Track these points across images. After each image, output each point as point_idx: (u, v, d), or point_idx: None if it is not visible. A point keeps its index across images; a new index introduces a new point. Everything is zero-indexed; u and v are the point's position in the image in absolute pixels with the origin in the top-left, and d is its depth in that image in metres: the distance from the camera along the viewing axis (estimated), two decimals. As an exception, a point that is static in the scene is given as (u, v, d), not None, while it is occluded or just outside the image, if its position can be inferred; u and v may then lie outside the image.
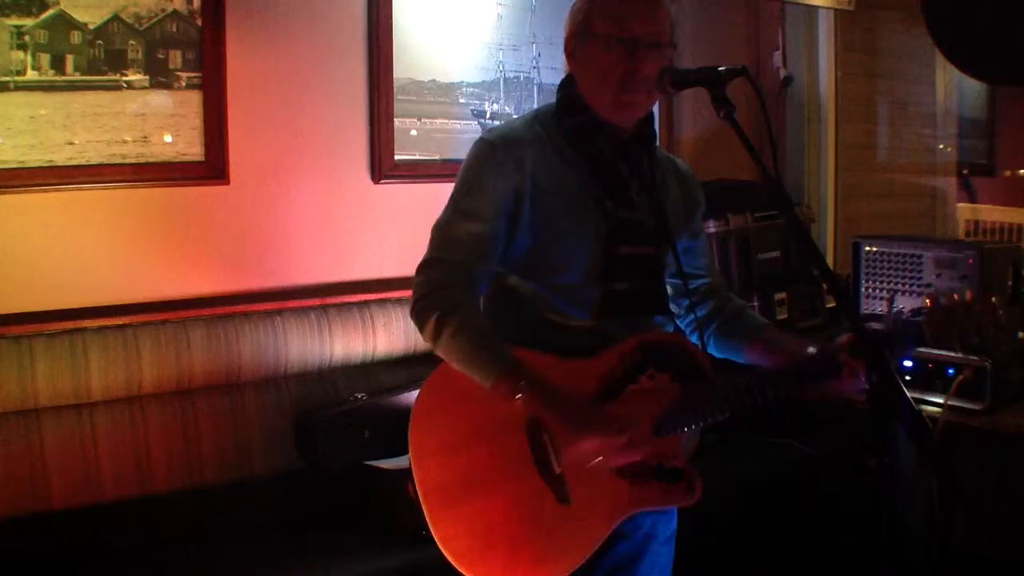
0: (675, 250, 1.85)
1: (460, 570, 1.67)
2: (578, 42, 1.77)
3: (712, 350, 1.92)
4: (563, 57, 1.82)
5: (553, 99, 1.85)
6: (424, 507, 1.69)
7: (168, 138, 2.63)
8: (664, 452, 1.71)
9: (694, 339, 1.92)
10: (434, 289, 1.71)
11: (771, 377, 1.68)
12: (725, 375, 1.73)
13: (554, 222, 1.74)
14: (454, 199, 1.78)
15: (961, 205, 5.61)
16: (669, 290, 1.93)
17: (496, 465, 1.69)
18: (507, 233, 1.74)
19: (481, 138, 1.80)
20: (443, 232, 1.76)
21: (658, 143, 1.90)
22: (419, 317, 1.72)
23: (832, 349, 1.64)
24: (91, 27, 2.48)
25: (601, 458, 1.66)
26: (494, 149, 1.75)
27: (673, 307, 1.95)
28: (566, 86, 1.82)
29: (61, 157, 2.46)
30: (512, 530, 1.68)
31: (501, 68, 3.32)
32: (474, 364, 1.67)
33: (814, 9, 4.15)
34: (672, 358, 1.73)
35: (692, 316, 1.93)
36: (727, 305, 1.97)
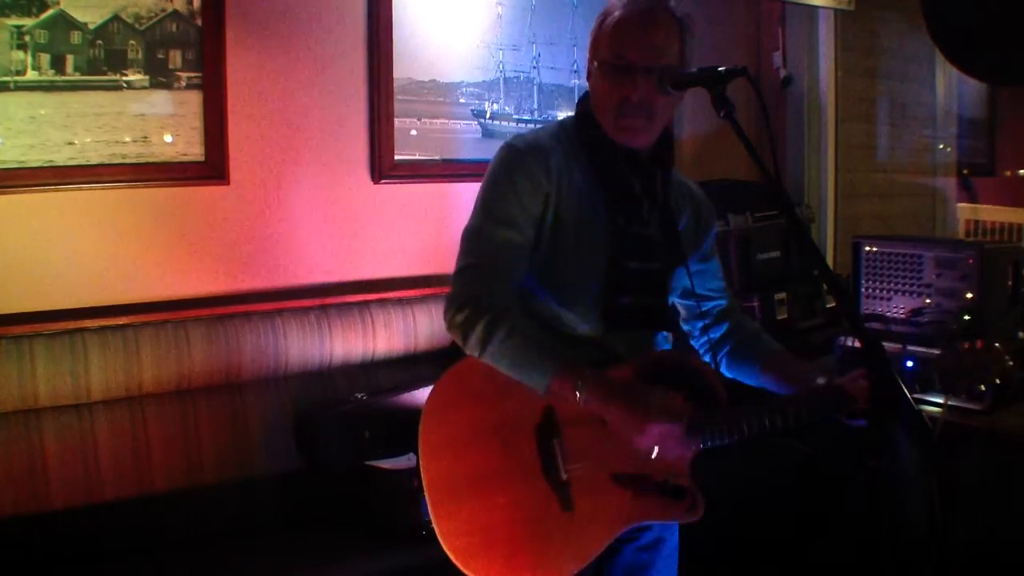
0: (688, 271, 1.86)
1: (457, 565, 1.68)
2: (590, 66, 1.80)
3: (724, 370, 1.95)
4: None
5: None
6: (428, 500, 1.70)
7: (168, 138, 2.63)
8: (670, 468, 1.72)
9: (706, 359, 1.95)
10: (478, 295, 1.70)
11: (781, 408, 1.70)
12: (734, 400, 1.76)
13: (568, 232, 1.76)
14: (485, 205, 1.76)
15: (961, 205, 5.61)
16: (683, 311, 1.96)
17: (504, 467, 1.70)
18: (536, 238, 1.75)
19: (509, 144, 1.80)
20: (478, 238, 1.74)
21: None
22: (464, 325, 1.69)
23: (841, 384, 1.67)
24: (91, 27, 2.48)
25: (659, 448, 1.67)
26: (523, 156, 1.75)
27: (686, 327, 1.98)
28: (584, 101, 1.84)
29: (61, 157, 2.46)
30: (513, 532, 1.68)
31: (501, 68, 3.31)
32: (529, 365, 1.66)
33: (814, 9, 4.14)
34: (686, 378, 1.74)
35: (706, 338, 1.95)
36: (741, 327, 1.98)
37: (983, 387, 2.31)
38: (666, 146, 1.84)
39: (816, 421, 1.68)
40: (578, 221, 1.76)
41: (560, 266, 1.76)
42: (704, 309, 1.94)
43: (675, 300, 1.95)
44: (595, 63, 1.77)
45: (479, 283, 1.71)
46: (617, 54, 1.71)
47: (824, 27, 4.25)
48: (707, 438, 1.71)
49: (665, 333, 1.88)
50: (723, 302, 1.99)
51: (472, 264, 1.73)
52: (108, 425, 2.44)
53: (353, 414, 2.67)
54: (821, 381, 1.73)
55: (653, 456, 1.68)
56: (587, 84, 1.84)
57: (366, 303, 2.89)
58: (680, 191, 1.92)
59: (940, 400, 2.66)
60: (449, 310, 1.72)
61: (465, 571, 1.67)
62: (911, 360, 2.72)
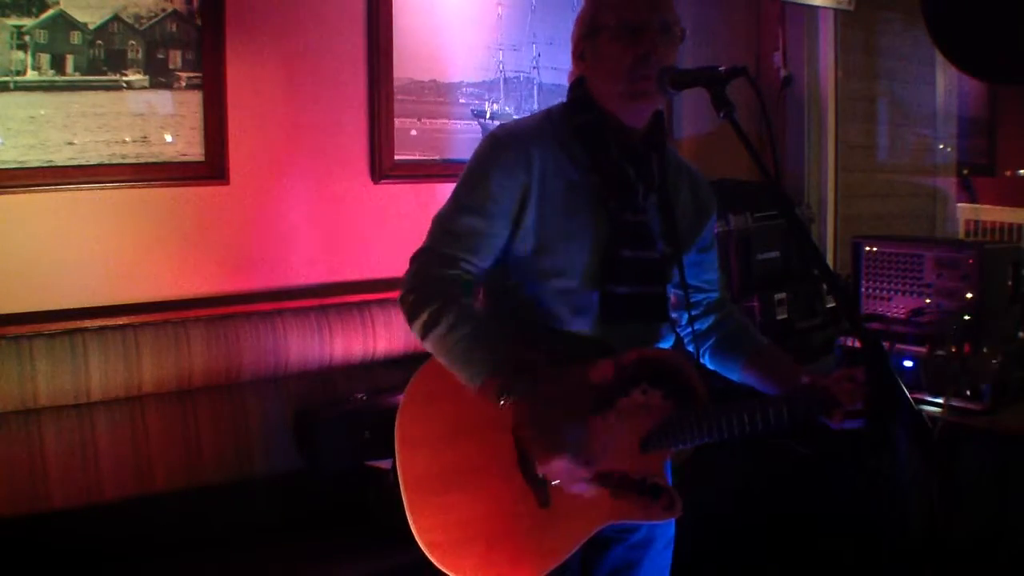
0: (680, 261, 1.83)
1: (433, 561, 1.66)
2: (587, 43, 1.75)
3: (707, 362, 1.93)
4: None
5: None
6: (404, 495, 1.69)
7: (168, 138, 2.63)
8: (648, 468, 1.71)
9: (690, 349, 1.92)
10: (429, 280, 1.69)
11: (763, 409, 1.66)
12: (717, 400, 1.73)
13: (557, 222, 1.72)
14: (457, 192, 1.75)
15: (961, 205, 5.61)
16: (672, 299, 1.91)
17: (481, 462, 1.69)
18: (508, 232, 1.73)
19: (491, 133, 1.78)
20: (443, 224, 1.73)
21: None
22: (411, 308, 1.69)
23: (825, 385, 1.64)
24: (91, 27, 2.48)
25: (559, 482, 1.62)
26: (503, 146, 1.73)
27: (673, 315, 1.93)
28: (577, 87, 1.80)
29: (61, 157, 2.46)
30: (490, 527, 1.67)
31: (501, 68, 3.32)
32: (464, 364, 1.64)
33: (814, 9, 4.15)
34: (668, 376, 1.72)
35: (692, 328, 1.92)
36: (729, 320, 1.96)
37: (968, 392, 2.30)
38: (658, 127, 1.80)
39: (799, 423, 1.64)
40: (567, 210, 1.72)
41: (550, 258, 1.73)
42: (694, 300, 1.91)
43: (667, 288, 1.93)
44: (596, 34, 1.72)
45: (433, 269, 1.70)
46: (627, 15, 1.68)
47: (824, 27, 4.25)
48: (678, 441, 1.69)
49: (663, 325, 1.85)
50: (714, 294, 1.97)
51: (431, 248, 1.72)
52: (108, 425, 2.44)
53: (353, 414, 2.67)
54: (805, 380, 1.69)
55: (554, 485, 1.64)
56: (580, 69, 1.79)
57: (366, 303, 2.89)
58: (678, 172, 1.88)
59: (940, 400, 2.66)
60: (402, 291, 1.71)
61: (441, 567, 1.65)
62: (909, 359, 2.72)
